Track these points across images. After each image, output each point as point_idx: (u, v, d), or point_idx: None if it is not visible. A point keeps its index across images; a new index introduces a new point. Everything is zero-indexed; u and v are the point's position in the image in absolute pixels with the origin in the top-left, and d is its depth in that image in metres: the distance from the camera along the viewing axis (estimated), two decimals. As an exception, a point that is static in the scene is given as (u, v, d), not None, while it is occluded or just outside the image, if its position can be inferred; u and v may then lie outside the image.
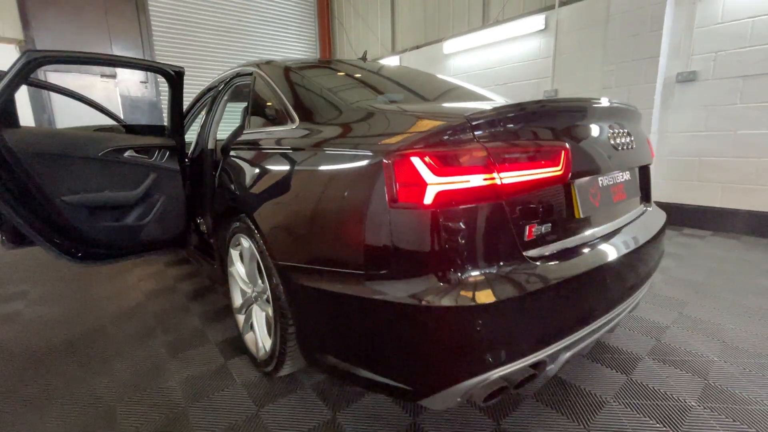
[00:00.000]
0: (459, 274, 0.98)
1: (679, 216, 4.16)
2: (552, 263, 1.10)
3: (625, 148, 1.39)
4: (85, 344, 2.06)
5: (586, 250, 1.19)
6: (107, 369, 1.81)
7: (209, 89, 2.80)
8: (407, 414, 1.44)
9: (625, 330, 2.02)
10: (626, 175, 1.50)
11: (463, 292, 0.95)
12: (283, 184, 1.39)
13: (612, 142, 1.32)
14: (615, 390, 1.54)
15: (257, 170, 1.60)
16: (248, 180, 1.64)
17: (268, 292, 1.48)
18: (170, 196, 2.38)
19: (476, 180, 0.98)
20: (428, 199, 0.97)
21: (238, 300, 1.91)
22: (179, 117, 2.39)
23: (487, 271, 1.00)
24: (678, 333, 1.99)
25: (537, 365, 1.08)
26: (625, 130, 1.42)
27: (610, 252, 1.23)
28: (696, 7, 3.84)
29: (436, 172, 0.97)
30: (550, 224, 1.15)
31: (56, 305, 2.58)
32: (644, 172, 1.72)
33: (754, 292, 2.47)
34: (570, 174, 1.11)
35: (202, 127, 2.62)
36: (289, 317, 1.40)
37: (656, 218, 1.64)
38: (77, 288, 2.88)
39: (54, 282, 3.01)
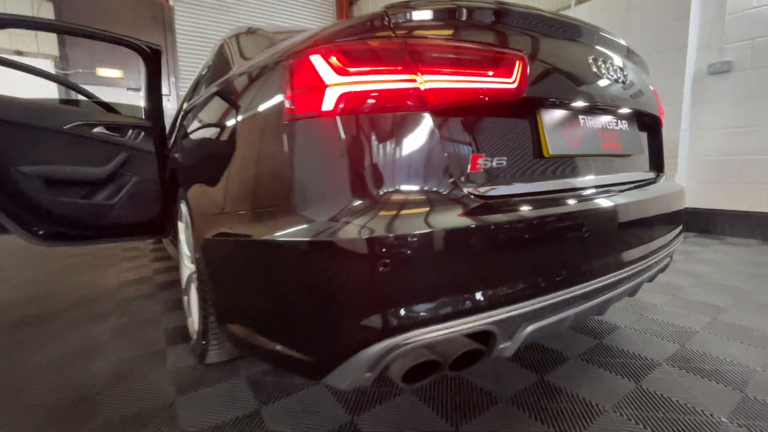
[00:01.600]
0: (362, 202, 0.74)
1: (719, 223, 3.66)
2: (503, 201, 0.84)
3: (614, 81, 1.12)
4: (38, 322, 1.93)
5: (557, 198, 0.92)
6: (42, 347, 1.66)
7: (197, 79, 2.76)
8: (346, 411, 1.16)
9: (639, 332, 1.65)
10: (623, 124, 1.22)
11: (358, 222, 0.71)
12: (198, 138, 1.23)
13: (594, 70, 1.06)
14: (617, 399, 1.20)
15: (185, 131, 1.46)
16: (179, 145, 1.51)
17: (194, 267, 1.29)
18: (143, 177, 2.29)
19: (390, 81, 0.76)
20: (328, 103, 0.76)
21: (184, 279, 1.73)
22: (157, 98, 2.33)
23: (400, 200, 0.76)
24: (709, 339, 1.60)
25: (482, 337, 0.80)
26: (615, 63, 1.16)
27: (592, 207, 0.94)
28: (727, -7, 3.50)
29: (339, 71, 0.76)
30: (505, 158, 0.89)
31: (30, 289, 2.51)
32: (652, 129, 1.42)
33: (813, 298, 2.02)
34: (526, 90, 0.86)
35: (186, 113, 2.56)
36: (207, 285, 1.19)
37: (669, 190, 1.33)
38: (59, 276, 2.82)
39: (40, 270, 2.97)
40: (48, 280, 2.72)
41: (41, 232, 2.02)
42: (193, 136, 1.39)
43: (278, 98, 0.83)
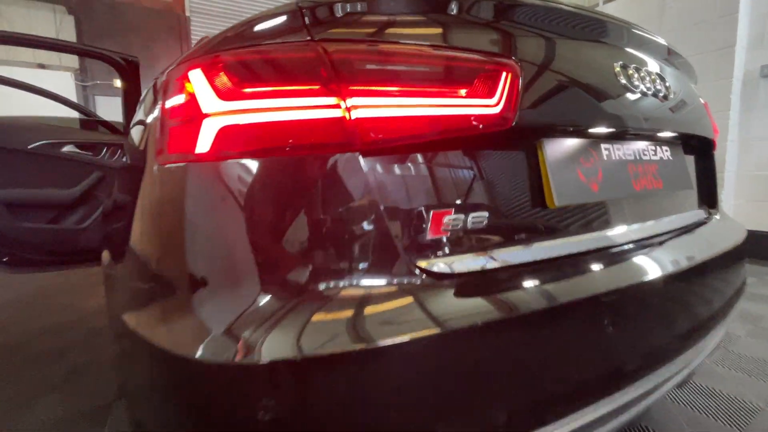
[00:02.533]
0: (256, 299, 0.49)
1: (775, 248, 3.17)
2: (480, 281, 0.56)
3: (652, 94, 0.81)
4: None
5: (566, 271, 0.63)
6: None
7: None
8: None
9: (729, 369, 1.35)
10: (663, 152, 0.91)
11: (247, 336, 0.45)
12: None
13: (623, 81, 0.76)
14: None
15: None
16: None
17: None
18: (120, 199, 2.13)
19: (300, 108, 0.50)
20: (204, 142, 0.50)
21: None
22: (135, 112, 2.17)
23: (316, 294, 0.49)
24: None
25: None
26: (652, 69, 0.85)
27: (621, 281, 0.64)
28: (784, -16, 3.05)
29: (224, 94, 0.51)
30: (486, 214, 0.61)
31: (6, 311, 2.39)
32: (702, 154, 1.09)
33: None
34: (515, 116, 0.58)
35: None
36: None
37: (727, 232, 1.00)
38: (35, 298, 2.70)
39: (18, 291, 2.85)
40: (20, 304, 2.59)
41: (5, 259, 1.87)
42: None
43: (151, 132, 0.59)
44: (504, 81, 0.58)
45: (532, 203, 0.66)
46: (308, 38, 0.53)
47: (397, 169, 0.54)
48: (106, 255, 0.91)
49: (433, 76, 0.55)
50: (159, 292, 0.56)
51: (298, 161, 0.50)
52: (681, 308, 0.76)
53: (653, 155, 0.88)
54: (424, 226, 0.56)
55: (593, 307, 0.60)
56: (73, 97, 6.12)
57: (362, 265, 0.51)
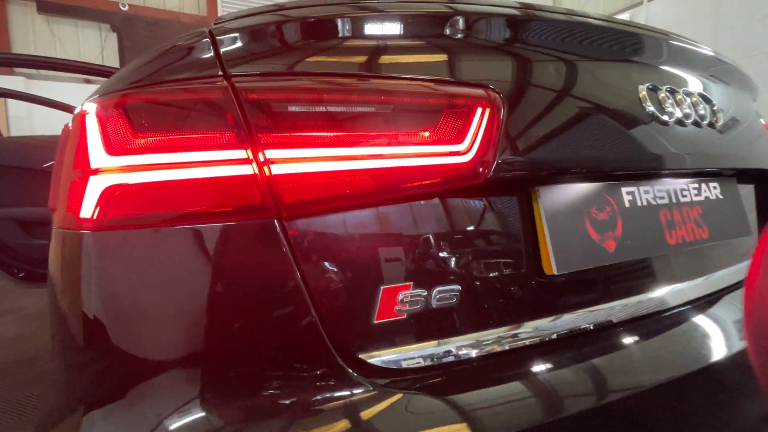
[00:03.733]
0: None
1: None
2: (451, 385, 0.43)
3: (695, 124, 0.64)
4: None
5: (568, 365, 0.48)
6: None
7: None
8: None
9: None
10: (709, 190, 0.72)
11: None
12: None
13: (652, 108, 0.59)
14: None
15: None
16: None
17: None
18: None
19: (203, 163, 0.40)
20: (87, 205, 0.41)
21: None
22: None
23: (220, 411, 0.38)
24: None
25: None
26: (694, 91, 0.67)
27: (641, 376, 0.49)
28: None
29: (114, 145, 0.41)
30: (457, 288, 0.47)
31: (22, 326, 2.46)
32: (760, 188, 0.89)
33: None
34: (492, 166, 0.44)
35: None
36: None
37: None
38: (33, 320, 2.74)
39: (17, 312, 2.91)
40: (16, 325, 2.65)
41: (21, 274, 1.93)
42: None
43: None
44: (478, 119, 0.45)
45: (526, 270, 0.52)
46: (220, 73, 0.42)
47: (329, 237, 0.42)
48: None
49: (380, 116, 0.43)
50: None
51: (199, 233, 0.39)
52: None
53: (695, 195, 0.70)
54: (369, 307, 0.43)
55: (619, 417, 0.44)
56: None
57: (282, 370, 0.40)
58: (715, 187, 0.74)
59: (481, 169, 0.44)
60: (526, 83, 0.51)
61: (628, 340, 0.53)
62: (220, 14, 7.24)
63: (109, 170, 0.40)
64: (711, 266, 0.72)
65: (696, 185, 0.71)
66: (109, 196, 0.40)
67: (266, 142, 0.39)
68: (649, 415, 0.47)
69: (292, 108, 0.41)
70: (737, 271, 0.76)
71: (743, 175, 0.83)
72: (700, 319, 0.61)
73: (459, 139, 0.43)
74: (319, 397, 0.40)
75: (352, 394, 0.40)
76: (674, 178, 0.67)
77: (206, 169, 0.39)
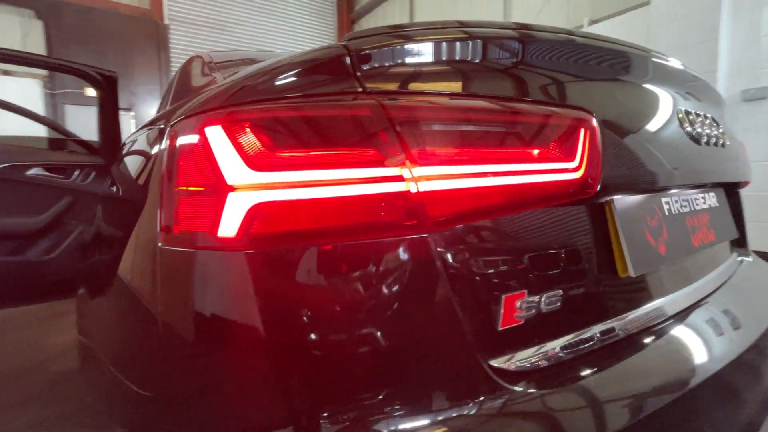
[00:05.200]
0: None
1: (758, 266, 3.24)
2: (564, 382, 0.46)
3: (710, 143, 0.75)
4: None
5: (641, 358, 0.54)
6: None
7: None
8: None
9: None
10: (711, 198, 0.85)
11: None
12: None
13: (687, 129, 0.69)
14: None
15: None
16: None
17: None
18: (91, 227, 1.94)
19: (355, 180, 0.39)
20: (229, 223, 0.39)
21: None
22: (112, 130, 1.99)
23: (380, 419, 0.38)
24: None
25: None
26: (707, 115, 0.79)
27: (696, 358, 0.56)
28: (762, 13, 3.18)
29: (256, 161, 0.39)
30: (559, 293, 0.51)
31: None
32: (735, 195, 1.05)
33: None
34: (599, 181, 0.50)
35: None
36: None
37: (763, 276, 0.94)
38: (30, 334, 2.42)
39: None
40: (17, 340, 2.32)
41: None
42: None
43: (156, 200, 0.46)
44: (583, 139, 0.49)
45: (605, 273, 0.57)
46: (359, 90, 0.42)
47: (467, 250, 0.44)
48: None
49: (507, 136, 0.46)
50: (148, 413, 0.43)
51: (353, 249, 0.39)
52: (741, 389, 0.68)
53: (703, 203, 0.81)
54: (495, 314, 0.46)
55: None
56: (39, 107, 5.75)
57: (433, 379, 0.41)
58: (713, 197, 0.86)
59: (590, 185, 0.48)
60: (607, 108, 0.57)
61: (691, 323, 0.61)
62: (166, 9, 6.75)
63: (253, 187, 0.39)
64: (717, 262, 0.84)
65: (703, 195, 0.82)
66: (255, 213, 0.38)
67: (417, 160, 0.40)
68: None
69: (436, 127, 0.42)
70: (729, 265, 0.89)
71: (726, 190, 0.97)
72: (724, 303, 0.72)
73: (571, 158, 0.48)
74: (468, 403, 0.41)
75: (495, 398, 0.42)
76: (690, 189, 0.78)
77: (358, 186, 0.39)
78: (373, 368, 0.39)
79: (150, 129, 0.71)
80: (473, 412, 0.41)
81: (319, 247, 0.39)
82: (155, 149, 0.54)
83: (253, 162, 0.39)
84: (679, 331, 0.60)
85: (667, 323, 0.60)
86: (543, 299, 0.50)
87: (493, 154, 0.44)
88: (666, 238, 0.66)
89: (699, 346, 0.59)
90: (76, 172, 1.87)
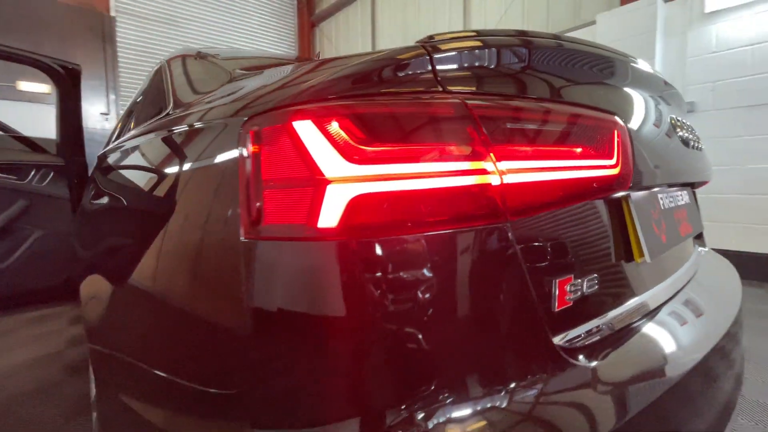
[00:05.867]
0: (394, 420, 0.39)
1: (690, 260, 3.66)
2: (613, 366, 0.51)
3: (692, 146, 0.86)
4: None
5: (650, 335, 0.62)
6: None
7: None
8: None
9: None
10: (685, 195, 0.97)
11: None
12: (106, 208, 0.81)
13: (679, 133, 0.79)
14: None
15: (97, 186, 1.02)
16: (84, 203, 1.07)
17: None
18: (50, 231, 1.77)
19: (445, 173, 0.42)
20: (330, 214, 0.40)
21: (93, 391, 1.24)
22: (73, 128, 1.84)
23: (479, 409, 0.41)
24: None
25: None
26: (685, 120, 0.90)
27: (690, 338, 0.65)
28: (687, 37, 3.62)
29: (351, 154, 0.41)
30: (596, 277, 0.58)
31: None
32: (694, 194, 1.19)
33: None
34: (631, 175, 0.57)
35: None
36: None
37: (719, 265, 1.09)
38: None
39: None
40: None
41: None
42: (101, 201, 0.96)
43: (230, 192, 0.45)
44: (618, 139, 0.56)
45: (625, 259, 0.65)
46: (439, 89, 0.45)
47: (536, 238, 0.49)
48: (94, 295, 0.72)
49: (565, 135, 0.51)
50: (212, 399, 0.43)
51: (442, 238, 0.42)
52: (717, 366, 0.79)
53: (681, 200, 0.93)
54: (552, 297, 0.51)
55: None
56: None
57: (505, 357, 0.44)
58: (686, 194, 0.99)
59: (626, 179, 0.55)
60: (626, 112, 0.64)
61: (689, 299, 0.70)
62: (113, 1, 6.28)
63: (350, 179, 0.40)
64: (691, 252, 0.97)
65: (680, 193, 0.94)
66: (354, 204, 0.40)
67: (498, 155, 0.44)
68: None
69: (510, 125, 0.46)
70: (699, 252, 1.03)
71: (690, 185, 1.11)
72: (704, 281, 0.83)
73: (610, 155, 0.54)
74: (542, 376, 0.45)
75: (562, 371, 0.47)
76: (671, 187, 0.89)
77: (446, 179, 0.42)
78: (464, 348, 0.42)
79: (166, 132, 0.69)
80: (546, 385, 0.45)
81: (411, 236, 0.41)
82: (203, 149, 0.53)
83: (348, 155, 0.41)
84: (685, 305, 0.69)
85: (673, 300, 0.69)
86: (585, 283, 0.56)
87: (556, 151, 0.49)
88: (665, 228, 0.75)
89: (702, 316, 0.69)
90: (32, 173, 1.70)
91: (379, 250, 0.40)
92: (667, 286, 0.75)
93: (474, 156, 0.43)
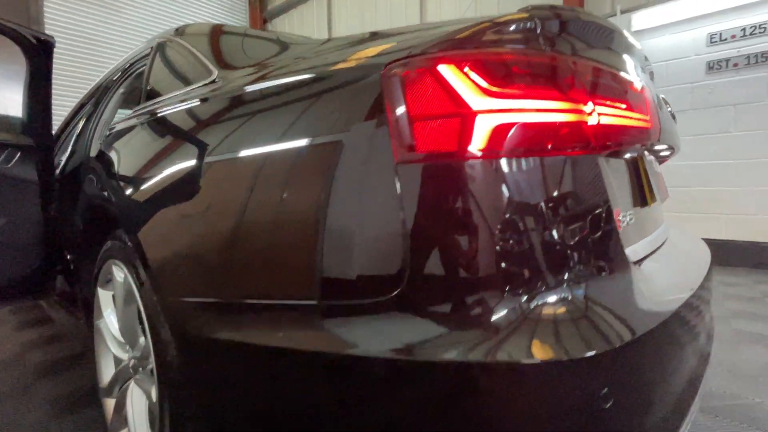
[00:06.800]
0: (533, 298, 0.50)
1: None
2: (655, 274, 0.66)
3: (672, 116, 1.06)
4: None
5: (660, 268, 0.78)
6: None
7: (97, 88, 2.15)
8: None
9: None
10: (656, 162, 1.18)
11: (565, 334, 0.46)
12: (188, 163, 0.81)
13: (668, 108, 0.98)
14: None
15: (146, 152, 0.99)
16: (129, 171, 1.02)
17: (152, 357, 0.83)
18: (16, 218, 1.61)
19: (554, 111, 0.54)
20: (478, 138, 0.49)
21: (107, 373, 1.18)
22: (43, 106, 1.69)
23: (582, 288, 0.53)
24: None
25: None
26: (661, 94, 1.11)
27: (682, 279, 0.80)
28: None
29: (487, 92, 0.51)
30: (630, 212, 0.73)
31: None
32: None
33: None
34: (659, 130, 0.73)
35: (83, 131, 1.93)
36: (187, 403, 0.76)
37: (684, 233, 1.32)
38: None
39: None
40: None
41: None
42: (153, 155, 0.94)
43: (371, 127, 0.53)
44: (647, 99, 0.72)
45: (641, 202, 0.81)
46: (545, 48, 0.57)
47: (610, 171, 0.62)
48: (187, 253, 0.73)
49: (624, 92, 0.65)
50: (381, 299, 0.50)
51: (560, 161, 0.54)
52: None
53: (657, 167, 1.14)
54: (614, 220, 0.64)
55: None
56: None
57: (594, 257, 0.57)
58: (657, 162, 1.21)
59: (657, 132, 0.71)
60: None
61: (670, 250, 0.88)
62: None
63: (488, 110, 0.50)
64: (663, 217, 1.18)
65: (655, 159, 1.15)
66: (495, 130, 0.50)
67: (591, 100, 0.57)
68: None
69: (593, 79, 0.59)
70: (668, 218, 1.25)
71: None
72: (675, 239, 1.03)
73: (645, 110, 0.69)
74: (614, 283, 0.58)
75: (632, 274, 0.60)
76: (662, 150, 1.08)
77: (558, 114, 0.54)
78: (574, 245, 0.54)
79: (265, 85, 0.72)
80: (622, 280, 0.58)
81: (535, 157, 0.52)
82: (333, 94, 0.59)
83: (487, 92, 0.50)
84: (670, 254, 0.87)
85: (661, 248, 0.86)
86: (627, 216, 0.70)
87: (625, 103, 0.63)
88: (659, 184, 0.94)
89: (687, 260, 0.87)
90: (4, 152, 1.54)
91: (515, 168, 0.51)
92: (654, 238, 0.93)
93: (577, 100, 0.55)
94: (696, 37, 3.72)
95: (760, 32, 3.42)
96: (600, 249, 0.56)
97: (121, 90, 1.87)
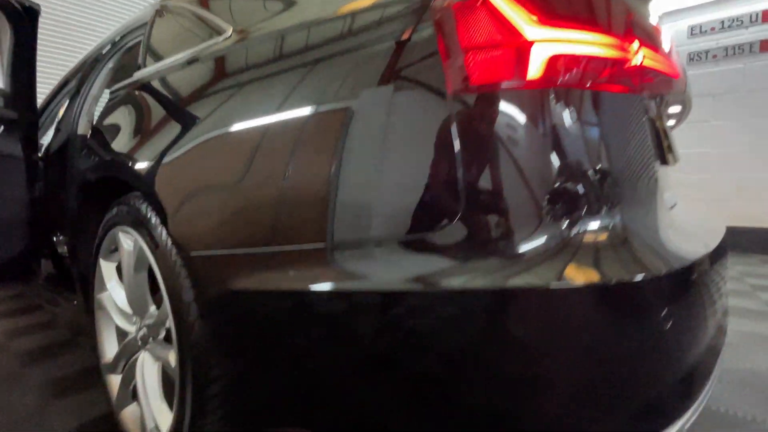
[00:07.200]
0: (582, 226, 0.50)
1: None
2: (681, 223, 0.69)
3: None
4: None
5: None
6: None
7: (83, 64, 2.05)
8: None
9: None
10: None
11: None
12: (212, 112, 0.78)
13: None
14: None
15: (159, 111, 0.95)
16: (143, 133, 0.98)
17: (170, 322, 0.80)
18: (2, 196, 1.52)
19: (603, 45, 0.54)
20: (534, 67, 0.49)
21: (110, 349, 1.13)
22: (27, 77, 1.60)
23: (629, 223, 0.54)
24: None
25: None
26: None
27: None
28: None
29: (543, 20, 0.51)
30: (656, 169, 0.74)
31: None
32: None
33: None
34: (679, 74, 0.76)
35: (69, 109, 1.83)
36: (210, 363, 0.74)
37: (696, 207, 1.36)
38: None
39: None
40: None
41: None
42: (170, 109, 0.89)
43: (416, 61, 0.52)
44: (673, 58, 0.73)
45: (662, 160, 0.83)
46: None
47: (646, 109, 0.63)
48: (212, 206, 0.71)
49: (654, 37, 0.66)
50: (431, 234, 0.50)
51: (603, 96, 0.54)
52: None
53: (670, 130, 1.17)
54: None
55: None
56: None
57: (646, 197, 0.58)
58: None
59: (684, 84, 0.72)
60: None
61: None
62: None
63: (544, 39, 0.50)
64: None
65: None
66: (552, 60, 0.50)
67: (638, 39, 0.57)
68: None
69: (643, 27, 0.60)
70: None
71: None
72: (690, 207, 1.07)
73: (674, 70, 0.71)
74: (657, 214, 0.59)
75: (667, 215, 0.62)
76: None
77: (606, 50, 0.54)
78: (617, 178, 0.54)
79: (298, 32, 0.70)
80: (661, 219, 0.60)
81: (584, 89, 0.52)
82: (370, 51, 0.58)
83: (542, 21, 0.50)
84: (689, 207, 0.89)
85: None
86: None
87: (658, 50, 0.64)
88: (674, 146, 0.96)
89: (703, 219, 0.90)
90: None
91: (564, 99, 0.51)
92: (671, 195, 0.96)
93: (624, 37, 0.56)
94: (678, 30, 3.85)
95: (737, 25, 3.56)
96: (642, 185, 0.57)
97: (110, 65, 1.78)
